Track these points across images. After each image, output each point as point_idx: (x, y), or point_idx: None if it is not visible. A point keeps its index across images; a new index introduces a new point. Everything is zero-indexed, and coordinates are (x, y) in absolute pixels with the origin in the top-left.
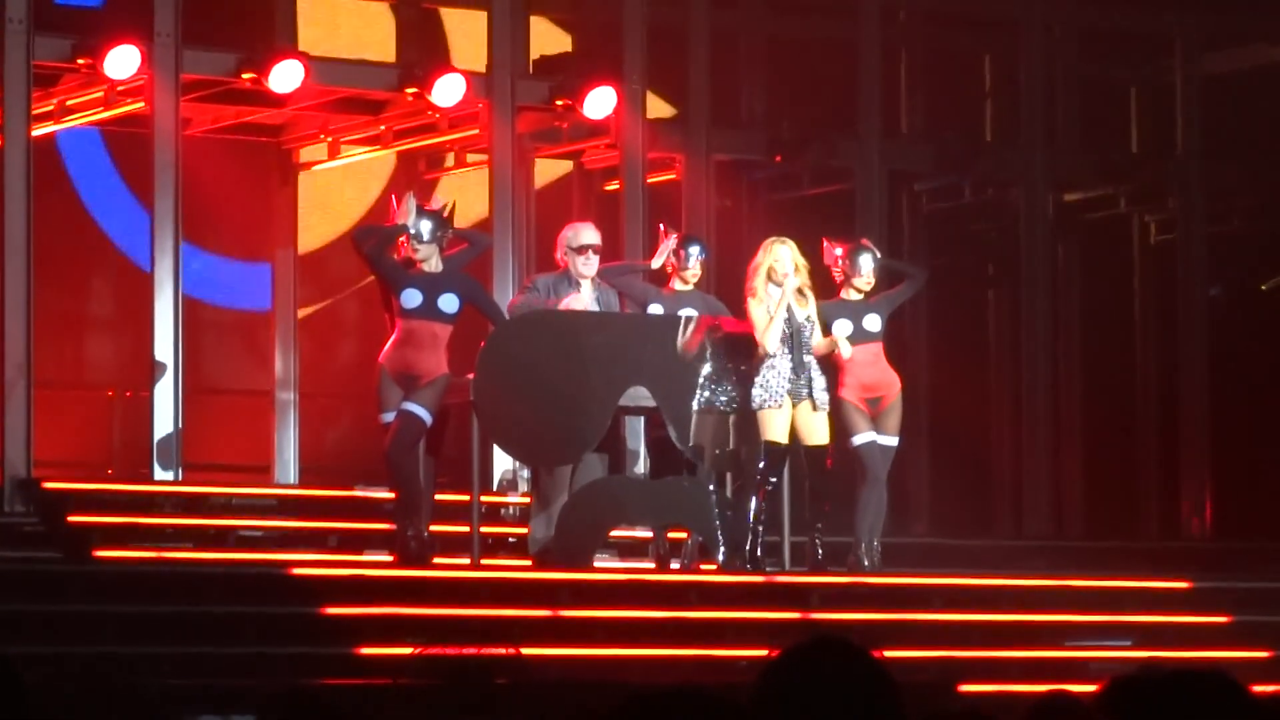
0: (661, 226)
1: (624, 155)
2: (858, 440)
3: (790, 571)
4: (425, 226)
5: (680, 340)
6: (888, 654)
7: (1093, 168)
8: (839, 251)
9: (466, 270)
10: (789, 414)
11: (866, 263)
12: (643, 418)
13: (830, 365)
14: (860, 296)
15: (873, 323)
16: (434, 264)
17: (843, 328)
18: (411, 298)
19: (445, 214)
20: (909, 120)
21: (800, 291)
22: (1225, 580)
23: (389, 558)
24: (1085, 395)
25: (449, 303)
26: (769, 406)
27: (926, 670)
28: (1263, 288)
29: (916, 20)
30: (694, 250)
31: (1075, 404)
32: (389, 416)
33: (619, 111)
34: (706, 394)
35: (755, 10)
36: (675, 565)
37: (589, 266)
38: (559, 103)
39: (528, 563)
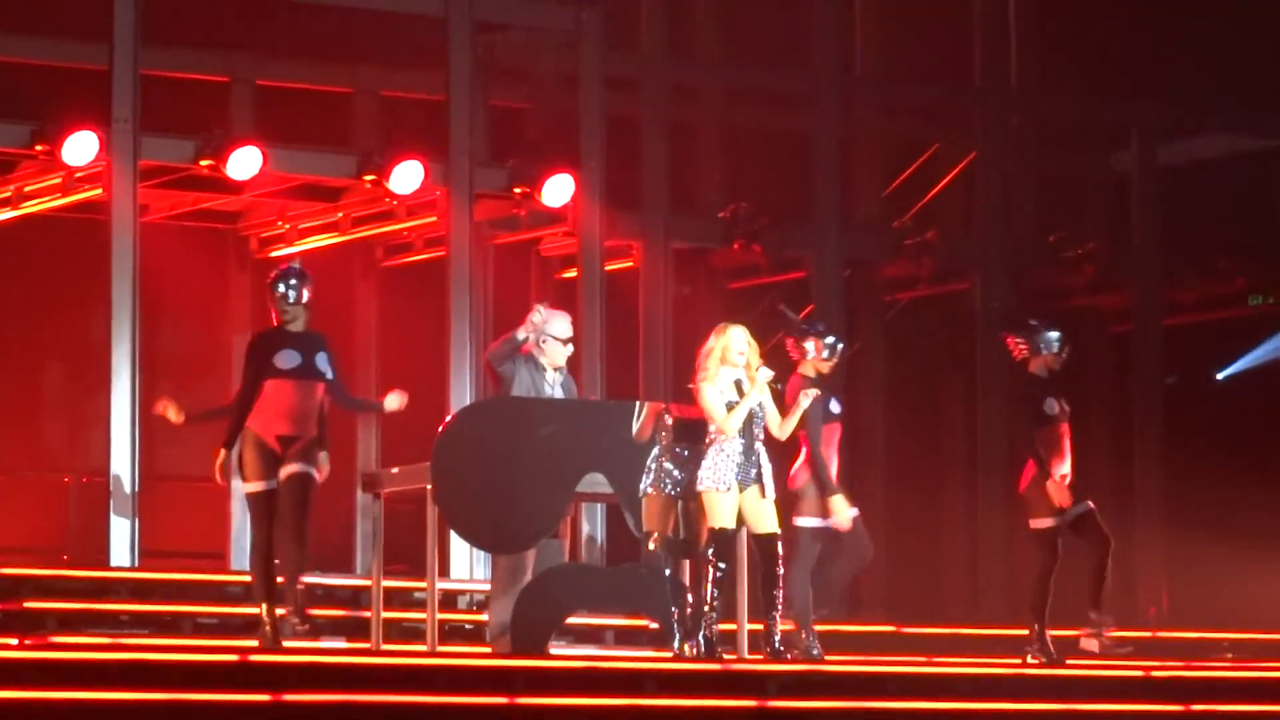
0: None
1: (581, 242)
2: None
3: (746, 659)
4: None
5: (634, 427)
6: None
7: (1048, 257)
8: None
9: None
10: (736, 499)
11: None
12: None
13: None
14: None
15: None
16: None
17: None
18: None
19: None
20: (864, 209)
21: (749, 372)
22: (1180, 669)
23: (343, 644)
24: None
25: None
26: (717, 490)
27: None
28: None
29: (873, 111)
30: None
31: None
32: None
33: (576, 199)
34: (652, 476)
35: (712, 100)
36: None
37: (564, 356)
38: (517, 190)
39: (486, 649)
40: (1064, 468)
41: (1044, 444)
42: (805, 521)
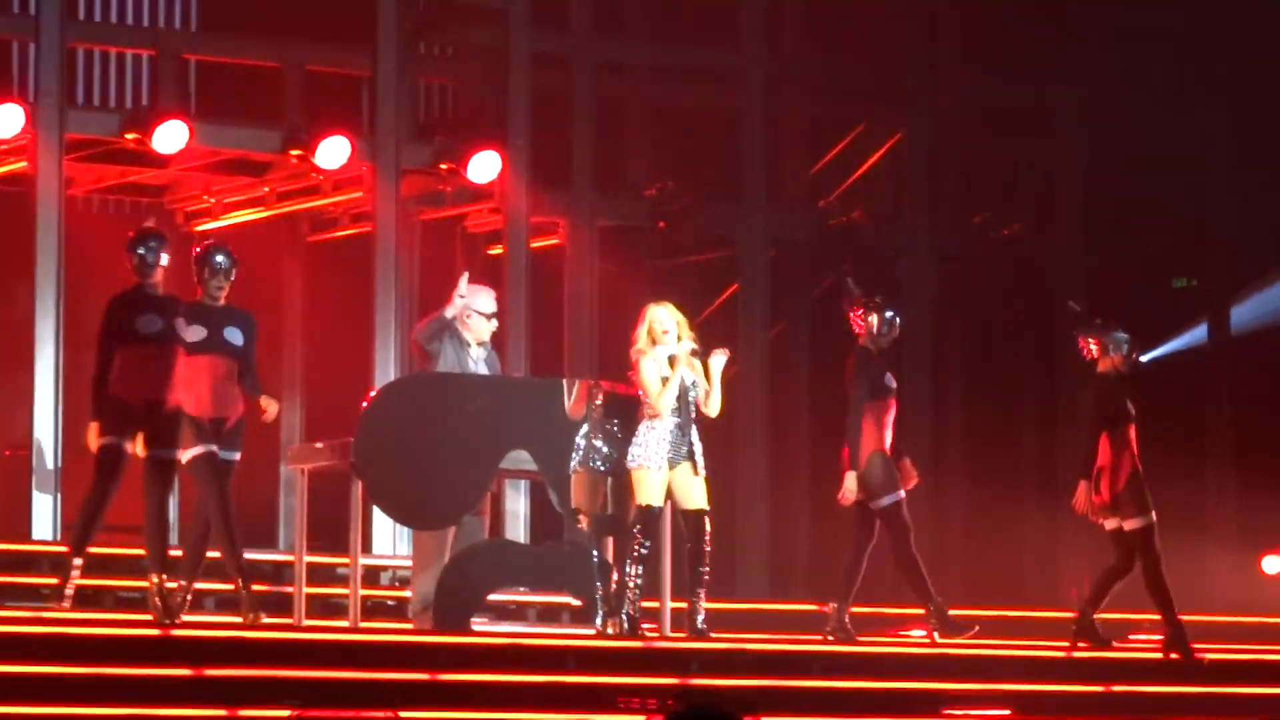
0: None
1: (507, 219)
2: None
3: (669, 636)
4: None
5: (568, 405)
6: None
7: (974, 237)
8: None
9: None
10: (665, 477)
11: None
12: (524, 481)
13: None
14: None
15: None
16: None
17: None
18: None
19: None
20: (791, 188)
21: (691, 354)
22: (1101, 650)
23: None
24: (972, 473)
25: None
26: (646, 468)
27: None
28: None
29: (801, 90)
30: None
31: (960, 478)
32: None
33: (503, 176)
34: (581, 454)
35: (640, 77)
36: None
37: (488, 331)
38: (443, 166)
39: (408, 625)
40: (1126, 469)
41: (1115, 445)
42: (883, 501)
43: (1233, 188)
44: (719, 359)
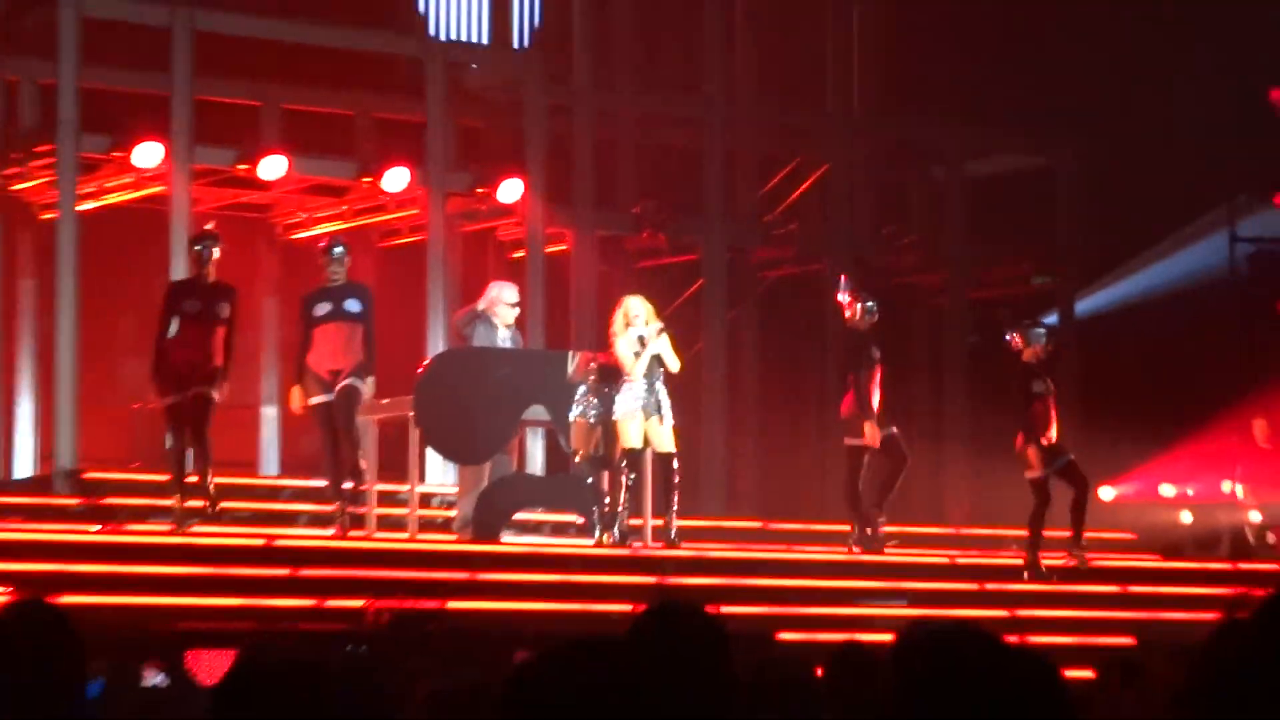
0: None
1: (528, 230)
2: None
3: (650, 547)
4: None
5: (569, 370)
6: (723, 610)
7: (882, 245)
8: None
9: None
10: (642, 424)
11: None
12: (540, 429)
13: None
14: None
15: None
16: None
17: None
18: None
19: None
20: (743, 206)
21: (659, 331)
22: (977, 557)
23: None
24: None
25: None
26: (626, 418)
27: (753, 623)
28: (1033, 281)
29: (751, 131)
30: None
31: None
32: None
33: (525, 197)
34: (580, 408)
35: (627, 122)
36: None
37: (513, 316)
38: (479, 190)
39: (453, 537)
40: (1051, 433)
41: (1036, 415)
42: (852, 441)
43: (1078, 205)
44: (664, 340)
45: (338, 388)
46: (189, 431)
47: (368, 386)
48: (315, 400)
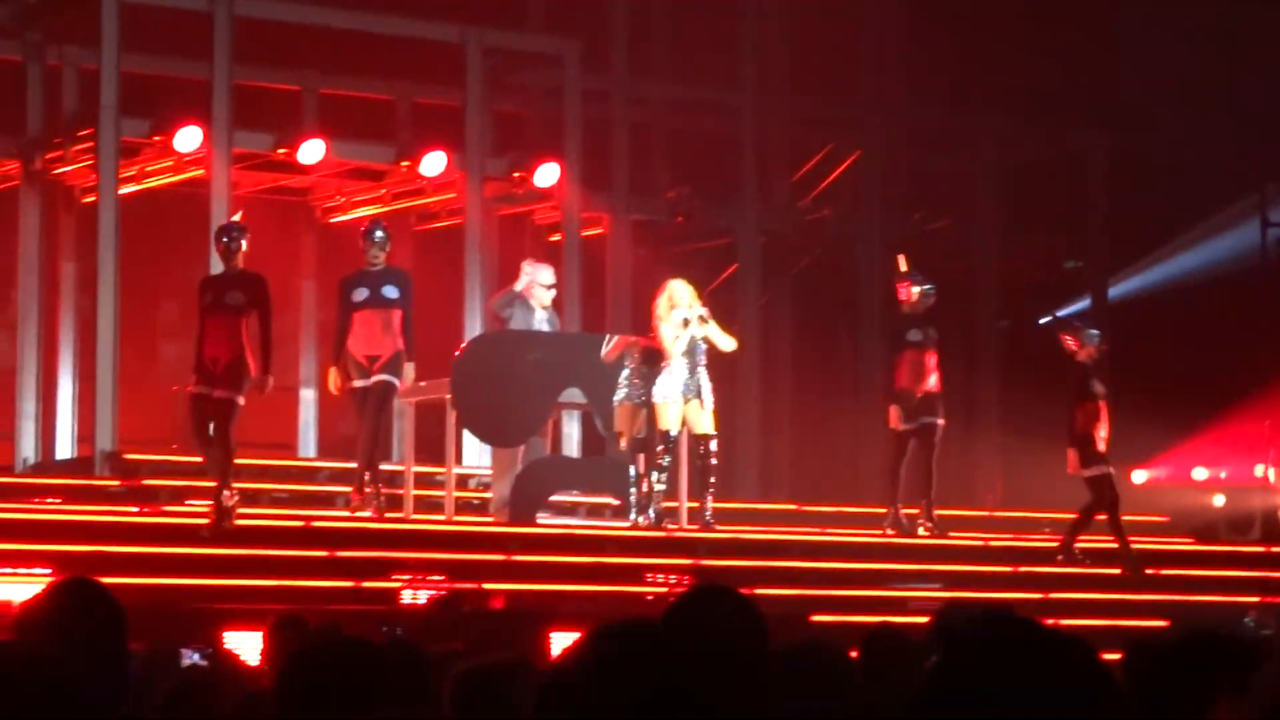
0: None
1: (564, 214)
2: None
3: (685, 529)
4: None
5: (604, 352)
6: (757, 592)
7: (913, 230)
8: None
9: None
10: (680, 409)
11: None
12: (576, 411)
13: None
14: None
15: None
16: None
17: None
18: None
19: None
20: (777, 192)
21: (701, 318)
22: (1009, 540)
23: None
24: None
25: None
26: (665, 402)
27: (787, 605)
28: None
29: (784, 119)
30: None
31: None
32: None
33: (561, 182)
34: (625, 390)
35: (663, 108)
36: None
37: (549, 298)
38: (516, 174)
39: (489, 519)
40: (1103, 432)
41: (1088, 415)
42: (905, 427)
43: (1109, 191)
44: (712, 324)
45: (374, 379)
46: (215, 430)
47: (407, 374)
48: (354, 384)
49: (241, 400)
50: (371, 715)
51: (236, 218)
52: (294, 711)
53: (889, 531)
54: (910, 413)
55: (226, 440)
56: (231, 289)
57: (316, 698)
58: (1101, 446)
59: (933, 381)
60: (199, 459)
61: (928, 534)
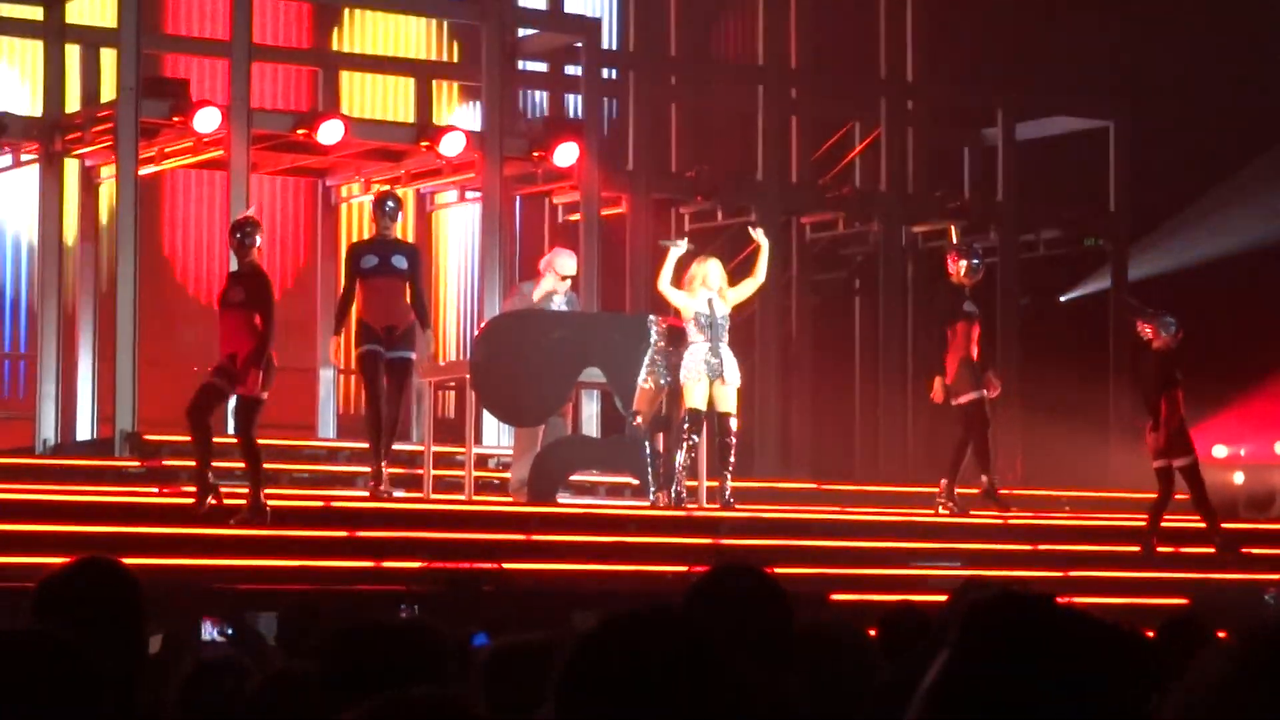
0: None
1: (583, 194)
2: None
3: (705, 508)
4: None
5: (653, 339)
6: (777, 571)
7: (934, 208)
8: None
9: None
10: (706, 387)
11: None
12: (595, 390)
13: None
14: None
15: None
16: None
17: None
18: None
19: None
20: (797, 171)
21: (720, 293)
22: (1029, 519)
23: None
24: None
25: None
26: (691, 380)
27: (806, 584)
28: (1084, 244)
29: (804, 96)
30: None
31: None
32: None
33: (581, 161)
34: (647, 370)
35: (680, 89)
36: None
37: (567, 285)
38: (535, 154)
39: (508, 499)
40: (1175, 423)
41: (1173, 403)
42: (963, 399)
43: (1129, 168)
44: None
45: (391, 356)
46: (237, 427)
47: (425, 343)
48: (365, 348)
49: (264, 395)
50: (407, 692)
51: (250, 212)
52: (336, 692)
53: (947, 506)
54: (973, 382)
55: (248, 436)
56: (235, 286)
57: (357, 678)
58: (1187, 435)
59: (975, 354)
60: (217, 439)
61: (948, 513)
